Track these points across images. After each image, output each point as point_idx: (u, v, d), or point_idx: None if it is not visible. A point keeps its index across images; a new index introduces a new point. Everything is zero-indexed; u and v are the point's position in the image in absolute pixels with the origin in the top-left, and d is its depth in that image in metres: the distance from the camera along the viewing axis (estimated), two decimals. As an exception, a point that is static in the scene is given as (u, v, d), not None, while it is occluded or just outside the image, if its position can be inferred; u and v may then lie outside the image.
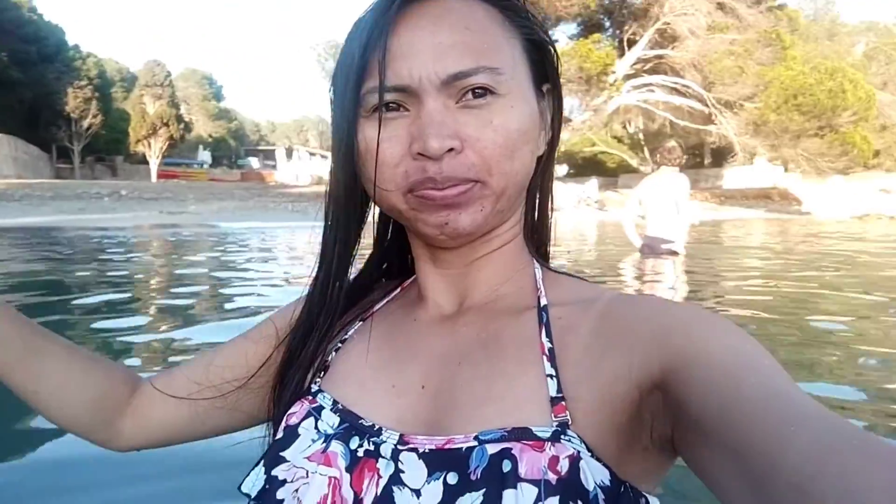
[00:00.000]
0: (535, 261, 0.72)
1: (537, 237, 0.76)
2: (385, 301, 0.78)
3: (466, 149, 0.59)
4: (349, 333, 0.75)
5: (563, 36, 32.95)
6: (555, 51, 0.69)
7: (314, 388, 0.70)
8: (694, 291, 5.79)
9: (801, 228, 18.06)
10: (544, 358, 0.60)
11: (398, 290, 0.80)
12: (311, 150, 60.24)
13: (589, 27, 34.16)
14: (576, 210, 25.10)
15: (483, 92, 0.60)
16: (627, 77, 33.27)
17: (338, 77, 0.65)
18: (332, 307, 0.73)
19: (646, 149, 42.14)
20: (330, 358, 0.72)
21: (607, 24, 35.74)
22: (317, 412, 0.66)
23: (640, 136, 42.93)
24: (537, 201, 0.75)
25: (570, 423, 0.56)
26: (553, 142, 0.72)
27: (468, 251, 0.68)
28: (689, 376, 0.49)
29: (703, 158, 42.33)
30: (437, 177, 0.59)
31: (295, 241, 12.14)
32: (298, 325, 0.74)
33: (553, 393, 0.57)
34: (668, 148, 6.84)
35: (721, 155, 38.30)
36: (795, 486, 0.37)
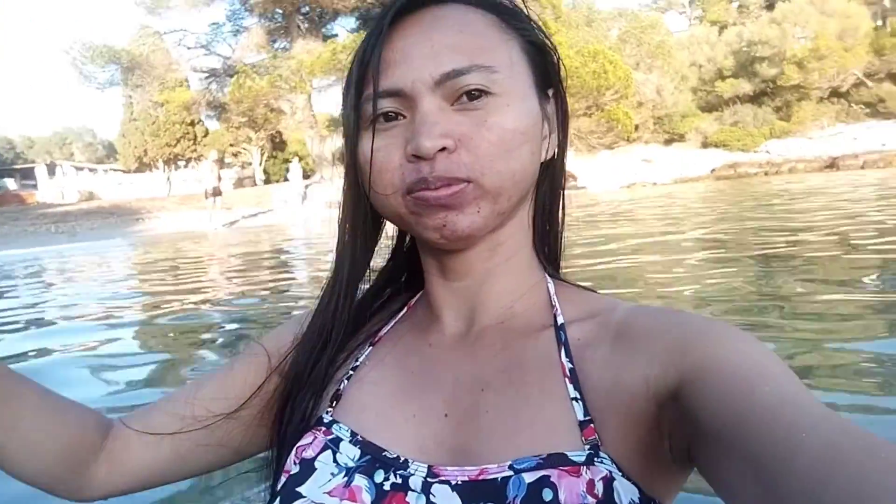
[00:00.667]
0: (546, 274, 0.72)
1: (548, 247, 0.75)
2: (393, 323, 0.77)
3: (460, 148, 0.59)
4: (360, 359, 0.73)
5: (342, 31, 32.41)
6: (556, 54, 0.69)
7: (327, 418, 0.68)
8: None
9: (578, 201, 19.37)
10: (566, 380, 0.60)
11: (405, 309, 0.78)
12: (78, 165, 54.71)
13: (367, 21, 33.92)
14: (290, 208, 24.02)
15: (479, 94, 0.60)
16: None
17: (343, 90, 0.67)
18: (343, 321, 0.73)
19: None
20: (342, 386, 0.71)
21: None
22: (334, 444, 0.64)
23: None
24: (546, 209, 0.73)
25: (600, 444, 0.56)
26: (561, 148, 0.72)
27: (476, 260, 0.68)
28: (704, 387, 0.50)
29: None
30: (429, 176, 0.59)
31: (67, 264, 11.00)
32: (305, 343, 0.73)
33: (581, 416, 0.58)
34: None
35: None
36: (807, 492, 0.38)
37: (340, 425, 0.66)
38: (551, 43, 0.68)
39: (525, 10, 0.67)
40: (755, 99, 38.42)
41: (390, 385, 0.68)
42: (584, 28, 40.34)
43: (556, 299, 0.68)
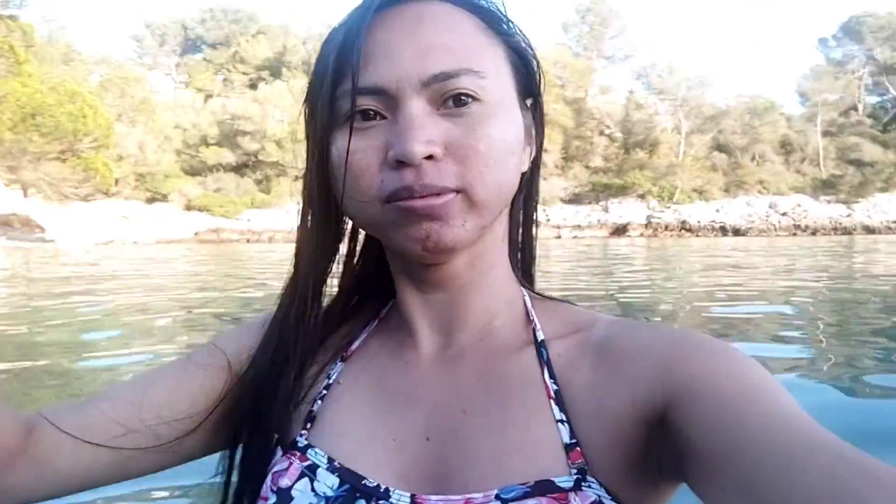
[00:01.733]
0: (522, 287, 0.70)
1: (522, 260, 0.73)
2: (364, 336, 0.72)
3: (447, 156, 0.56)
4: (332, 377, 0.68)
5: None
6: (537, 62, 0.66)
7: (302, 441, 0.64)
8: None
9: (45, 256, 17.65)
10: (552, 402, 0.58)
11: (375, 321, 0.73)
12: None
13: None
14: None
15: (466, 99, 0.56)
16: None
17: (312, 86, 0.61)
18: (309, 332, 0.68)
19: None
20: (315, 407, 0.66)
21: None
22: (310, 471, 0.61)
23: None
24: (521, 222, 0.72)
25: (587, 467, 0.55)
26: (536, 159, 0.69)
27: (454, 273, 0.64)
28: (693, 409, 0.49)
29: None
30: (414, 185, 0.55)
31: None
32: (266, 352, 0.68)
33: (566, 439, 0.56)
34: None
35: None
36: None
37: (316, 451, 0.62)
38: (533, 50, 0.65)
39: (507, 15, 0.64)
40: (238, 169, 40.19)
41: (367, 407, 0.64)
42: (62, 66, 36.62)
43: (534, 314, 0.66)
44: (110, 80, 39.06)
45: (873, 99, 53.12)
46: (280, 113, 38.83)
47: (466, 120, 0.56)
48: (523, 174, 0.66)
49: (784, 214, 40.05)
